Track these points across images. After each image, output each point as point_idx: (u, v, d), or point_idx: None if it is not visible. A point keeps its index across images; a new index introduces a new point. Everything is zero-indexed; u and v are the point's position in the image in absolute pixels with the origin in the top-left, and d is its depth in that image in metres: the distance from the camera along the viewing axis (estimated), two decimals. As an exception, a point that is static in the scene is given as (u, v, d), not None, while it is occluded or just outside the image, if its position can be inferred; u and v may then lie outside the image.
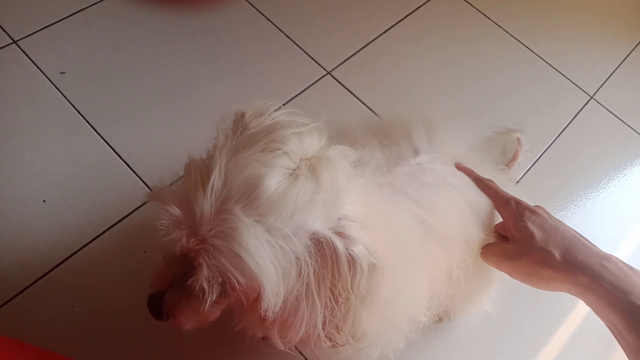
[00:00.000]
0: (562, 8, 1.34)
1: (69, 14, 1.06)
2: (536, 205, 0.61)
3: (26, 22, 1.03)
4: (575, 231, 0.59)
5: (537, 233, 0.57)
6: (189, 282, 0.43)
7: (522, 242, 0.57)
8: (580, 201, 1.03)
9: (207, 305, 0.43)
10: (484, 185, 0.63)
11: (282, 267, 0.42)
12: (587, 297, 0.54)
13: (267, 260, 0.40)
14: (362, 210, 0.45)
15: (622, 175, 1.08)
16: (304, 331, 0.46)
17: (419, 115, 0.66)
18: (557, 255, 0.55)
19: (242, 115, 0.47)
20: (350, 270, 0.43)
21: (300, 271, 0.43)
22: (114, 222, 0.85)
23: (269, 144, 0.43)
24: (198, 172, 0.43)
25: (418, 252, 0.50)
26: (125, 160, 0.91)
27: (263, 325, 0.49)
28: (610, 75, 1.23)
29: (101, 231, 0.84)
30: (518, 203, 0.60)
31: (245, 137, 0.45)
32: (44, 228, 0.83)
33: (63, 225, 0.84)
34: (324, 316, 0.46)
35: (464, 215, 0.58)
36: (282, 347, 0.51)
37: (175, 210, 0.42)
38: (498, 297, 0.74)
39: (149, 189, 0.88)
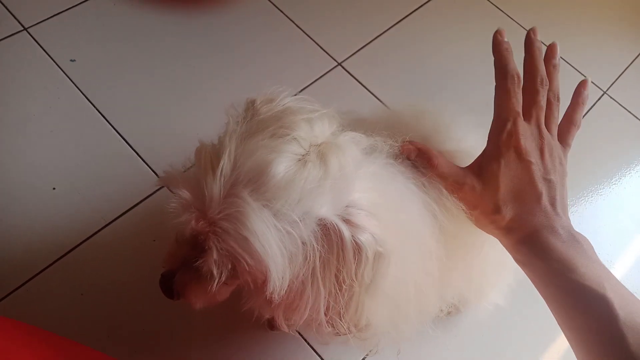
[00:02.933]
0: (576, 2, 1.32)
1: (80, 1, 1.06)
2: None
3: (37, 10, 1.03)
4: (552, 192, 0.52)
5: (503, 185, 0.51)
6: (198, 263, 0.43)
7: (483, 187, 0.52)
8: (591, 197, 1.02)
9: (216, 286, 0.44)
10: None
11: (289, 251, 0.42)
12: (527, 269, 0.53)
13: (274, 244, 0.41)
14: (371, 198, 0.45)
15: (635, 171, 1.07)
16: (308, 315, 0.47)
17: (429, 107, 0.65)
18: (507, 218, 0.51)
19: (253, 102, 0.48)
20: (355, 257, 0.43)
21: (306, 256, 0.43)
22: (124, 210, 0.85)
23: (279, 130, 0.43)
24: (208, 156, 0.43)
25: (429, 242, 0.49)
26: (135, 149, 0.91)
27: (269, 306, 0.49)
28: (624, 70, 1.21)
29: (111, 219, 0.84)
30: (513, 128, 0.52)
31: (255, 122, 0.45)
32: (53, 216, 0.83)
33: (73, 213, 0.84)
34: (328, 302, 0.46)
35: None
36: (285, 329, 0.51)
37: (185, 194, 0.43)
38: (509, 290, 0.74)
39: (158, 176, 0.88)
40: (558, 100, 0.55)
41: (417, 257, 0.49)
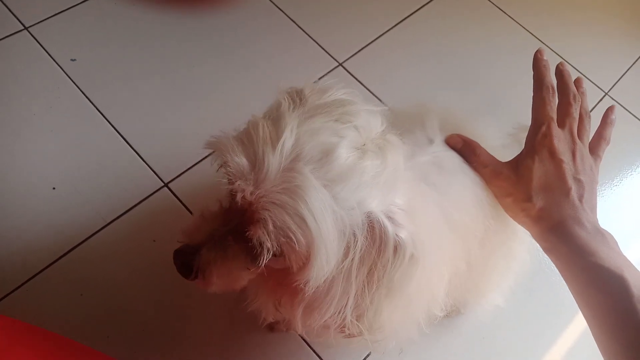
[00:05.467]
0: (578, 4, 1.32)
1: (80, 1, 1.05)
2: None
3: (38, 9, 1.03)
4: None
5: (537, 177, 0.56)
6: (247, 234, 0.42)
7: (518, 178, 0.58)
8: (593, 198, 1.01)
9: (263, 261, 0.42)
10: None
11: (338, 237, 0.41)
12: (552, 256, 0.57)
13: (329, 226, 0.40)
14: (407, 200, 0.45)
15: (637, 172, 1.06)
16: (328, 316, 0.46)
17: (433, 106, 0.65)
18: (537, 206, 0.56)
19: (301, 90, 0.47)
20: (395, 255, 0.43)
21: (349, 247, 0.42)
22: (124, 210, 0.85)
23: (343, 116, 0.44)
24: (267, 128, 0.42)
25: (444, 245, 0.49)
26: (135, 149, 0.91)
27: (277, 308, 0.48)
28: (626, 72, 1.21)
29: (110, 220, 0.84)
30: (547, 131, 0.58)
31: (316, 106, 0.45)
32: (53, 215, 0.83)
33: (72, 213, 0.83)
34: (352, 301, 0.45)
35: (483, 204, 0.57)
36: (300, 329, 0.50)
37: (242, 160, 0.41)
38: (510, 291, 0.74)
39: (159, 178, 0.88)
40: (589, 117, 0.62)
41: (435, 259, 0.49)
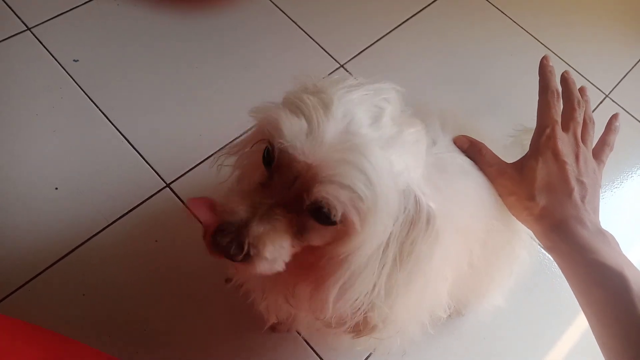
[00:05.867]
0: (579, 5, 1.32)
1: (83, 2, 1.06)
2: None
3: (40, 10, 1.03)
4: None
5: (540, 178, 0.58)
6: (307, 204, 0.40)
7: (522, 178, 0.59)
8: (593, 200, 1.01)
9: (336, 223, 0.41)
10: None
11: (394, 200, 0.41)
12: (553, 254, 0.59)
13: (389, 185, 0.40)
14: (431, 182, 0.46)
15: (637, 175, 1.07)
16: (355, 298, 0.45)
17: (434, 107, 0.66)
18: (540, 205, 0.57)
19: (314, 85, 0.46)
20: (427, 226, 0.43)
21: (397, 214, 0.42)
22: (126, 211, 0.85)
23: (378, 90, 0.44)
24: (313, 98, 0.42)
25: (448, 244, 0.50)
26: (138, 150, 0.91)
27: (288, 300, 0.47)
28: (626, 74, 1.21)
29: (113, 220, 0.84)
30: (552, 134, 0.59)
31: (349, 84, 0.45)
32: (55, 216, 0.83)
33: (74, 213, 0.84)
34: (384, 279, 0.45)
35: (485, 205, 0.58)
36: (304, 327, 0.50)
37: (300, 122, 0.40)
38: (510, 292, 0.74)
39: (161, 178, 0.88)
40: (593, 122, 0.65)
41: (444, 263, 0.49)
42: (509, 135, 0.78)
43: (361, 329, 0.49)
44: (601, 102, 1.15)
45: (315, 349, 0.78)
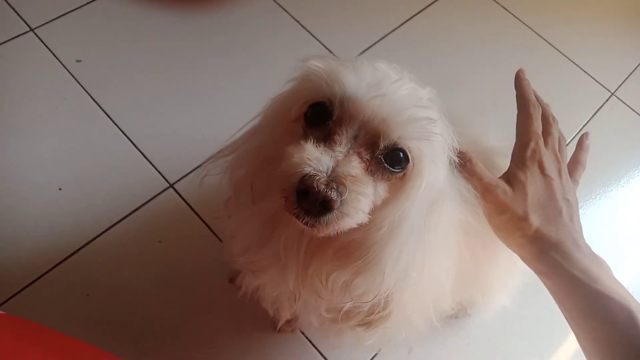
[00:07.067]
0: (584, 3, 1.31)
1: (86, 2, 1.06)
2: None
3: (43, 10, 1.03)
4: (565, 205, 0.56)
5: (531, 194, 0.55)
6: (381, 148, 0.42)
7: (515, 194, 0.55)
8: (599, 199, 1.01)
9: (395, 175, 0.43)
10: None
11: (444, 153, 0.44)
12: (549, 280, 0.55)
13: (445, 132, 0.44)
14: None
15: (643, 173, 1.06)
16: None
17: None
18: (534, 226, 0.54)
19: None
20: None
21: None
22: (129, 211, 0.85)
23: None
24: (349, 62, 0.44)
25: (458, 234, 0.49)
26: (141, 150, 0.91)
27: (324, 284, 0.46)
28: (632, 72, 1.20)
29: (116, 220, 0.84)
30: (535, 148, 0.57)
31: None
32: (59, 216, 0.83)
33: (78, 214, 0.84)
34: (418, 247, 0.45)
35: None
36: (340, 307, 0.49)
37: (358, 75, 0.42)
38: (516, 292, 0.73)
39: (164, 178, 0.88)
40: (564, 139, 0.62)
41: (449, 239, 0.49)
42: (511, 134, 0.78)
43: (374, 319, 0.48)
44: (607, 101, 1.14)
45: (319, 348, 0.78)
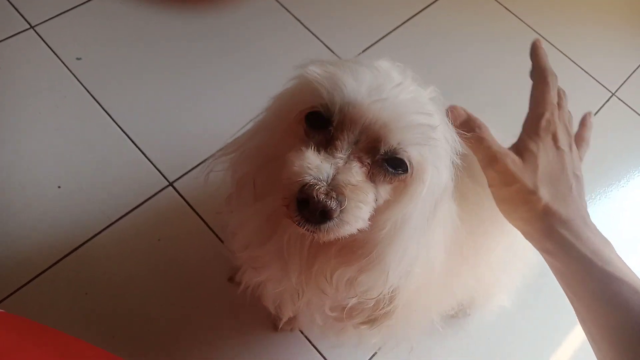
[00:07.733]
0: (585, 4, 1.31)
1: (86, 0, 1.06)
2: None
3: (43, 8, 1.03)
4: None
5: (542, 166, 0.52)
6: (381, 152, 0.41)
7: (525, 164, 0.52)
8: (600, 200, 1.01)
9: (395, 179, 0.42)
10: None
11: (446, 155, 0.44)
12: (557, 260, 0.52)
13: (447, 135, 0.43)
14: None
15: (644, 173, 1.06)
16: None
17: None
18: (543, 201, 0.51)
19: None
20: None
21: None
22: (129, 209, 0.84)
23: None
24: (348, 63, 0.43)
25: (452, 231, 0.49)
26: (141, 148, 0.90)
27: (328, 281, 0.46)
28: (633, 72, 1.20)
29: (115, 218, 0.84)
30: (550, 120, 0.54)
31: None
32: (58, 214, 0.83)
33: (77, 212, 0.83)
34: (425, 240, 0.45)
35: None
36: (345, 304, 0.49)
37: (357, 80, 0.41)
38: (516, 292, 0.73)
39: (164, 177, 0.88)
40: (571, 115, 0.59)
41: (452, 237, 0.49)
42: (514, 135, 0.77)
43: (378, 315, 0.48)
44: (607, 101, 1.14)
45: (318, 348, 0.78)
